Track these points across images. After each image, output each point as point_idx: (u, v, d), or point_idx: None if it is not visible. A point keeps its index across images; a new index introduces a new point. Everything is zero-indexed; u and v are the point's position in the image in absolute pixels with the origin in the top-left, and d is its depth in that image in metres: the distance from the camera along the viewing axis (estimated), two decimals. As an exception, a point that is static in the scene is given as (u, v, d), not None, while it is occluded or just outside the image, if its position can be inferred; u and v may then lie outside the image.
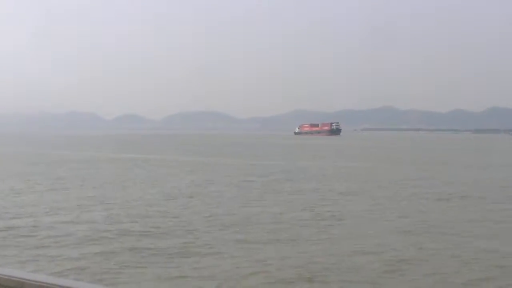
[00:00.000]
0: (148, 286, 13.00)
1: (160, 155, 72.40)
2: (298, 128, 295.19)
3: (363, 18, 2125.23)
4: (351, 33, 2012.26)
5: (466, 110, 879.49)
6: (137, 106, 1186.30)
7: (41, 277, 3.49)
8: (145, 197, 27.65)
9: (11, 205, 24.43)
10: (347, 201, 27.87)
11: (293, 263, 15.04)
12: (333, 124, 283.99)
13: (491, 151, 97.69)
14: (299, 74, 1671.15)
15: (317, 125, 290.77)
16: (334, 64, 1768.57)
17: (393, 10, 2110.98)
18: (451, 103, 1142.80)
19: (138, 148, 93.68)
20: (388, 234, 19.25)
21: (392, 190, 32.26)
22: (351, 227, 20.45)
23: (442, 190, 32.90)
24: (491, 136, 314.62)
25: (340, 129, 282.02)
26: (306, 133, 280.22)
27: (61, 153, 73.80)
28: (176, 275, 13.71)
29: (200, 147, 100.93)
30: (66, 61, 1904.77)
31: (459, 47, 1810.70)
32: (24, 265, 14.27)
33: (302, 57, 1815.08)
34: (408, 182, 37.59)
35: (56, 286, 3.30)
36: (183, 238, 17.76)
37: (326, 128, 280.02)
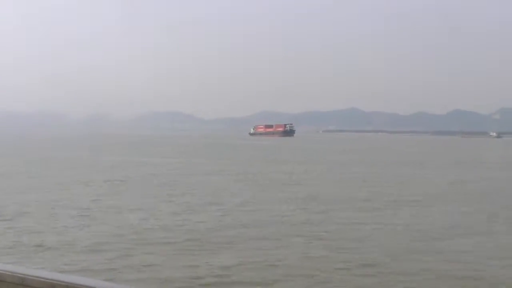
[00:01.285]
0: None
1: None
2: (253, 129, 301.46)
3: (332, 19, 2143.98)
4: (315, 35, 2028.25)
5: (429, 113, 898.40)
6: (105, 106, 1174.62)
7: (42, 273, 3.50)
8: None
9: None
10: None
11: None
12: (287, 126, 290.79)
13: (394, 151, 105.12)
14: (266, 76, 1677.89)
15: (271, 126, 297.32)
16: (302, 65, 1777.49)
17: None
18: (415, 105, 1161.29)
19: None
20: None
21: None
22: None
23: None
24: (444, 138, 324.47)
25: (294, 130, 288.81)
26: (261, 134, 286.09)
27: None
28: None
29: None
30: (28, 60, 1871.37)
31: (424, 51, 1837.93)
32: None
33: (271, 59, 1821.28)
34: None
35: (57, 281, 3.32)
36: None
37: (280, 129, 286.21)
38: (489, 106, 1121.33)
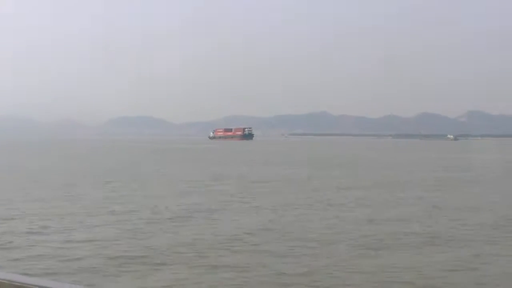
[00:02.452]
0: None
1: None
2: (213, 132, 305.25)
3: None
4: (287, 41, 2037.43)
5: (398, 116, 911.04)
6: (74, 111, 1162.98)
7: (39, 281, 3.49)
8: None
9: None
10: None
11: None
12: (246, 129, 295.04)
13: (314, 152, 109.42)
14: (236, 79, 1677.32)
15: (230, 130, 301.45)
16: (272, 69, 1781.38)
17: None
18: (384, 109, 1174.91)
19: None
20: None
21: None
22: None
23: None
24: (403, 141, 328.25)
25: (252, 134, 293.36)
26: (220, 137, 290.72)
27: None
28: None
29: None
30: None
31: (394, 57, 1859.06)
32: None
33: (240, 62, 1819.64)
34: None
35: None
36: None
37: (238, 133, 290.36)
38: (457, 109, 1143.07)
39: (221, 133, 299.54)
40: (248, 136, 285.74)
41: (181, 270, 14.91)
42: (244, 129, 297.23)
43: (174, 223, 22.44)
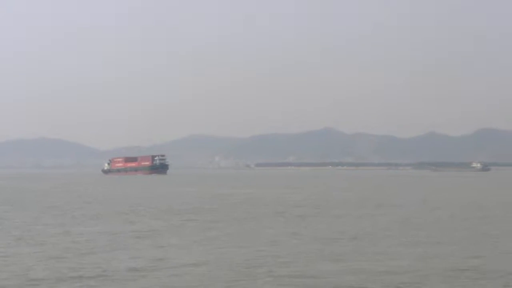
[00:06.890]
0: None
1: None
2: (108, 163, 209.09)
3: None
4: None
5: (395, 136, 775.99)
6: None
7: None
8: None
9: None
10: None
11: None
12: (156, 158, 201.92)
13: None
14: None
15: (135, 159, 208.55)
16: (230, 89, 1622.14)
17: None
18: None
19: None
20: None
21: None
22: None
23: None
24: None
25: (167, 165, 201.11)
26: (119, 170, 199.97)
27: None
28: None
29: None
30: None
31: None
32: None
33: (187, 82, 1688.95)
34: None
35: None
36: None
37: (146, 163, 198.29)
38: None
39: (120, 164, 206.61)
40: (159, 168, 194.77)
41: None
42: (153, 157, 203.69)
43: None
